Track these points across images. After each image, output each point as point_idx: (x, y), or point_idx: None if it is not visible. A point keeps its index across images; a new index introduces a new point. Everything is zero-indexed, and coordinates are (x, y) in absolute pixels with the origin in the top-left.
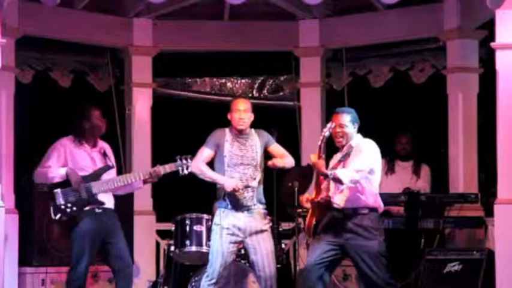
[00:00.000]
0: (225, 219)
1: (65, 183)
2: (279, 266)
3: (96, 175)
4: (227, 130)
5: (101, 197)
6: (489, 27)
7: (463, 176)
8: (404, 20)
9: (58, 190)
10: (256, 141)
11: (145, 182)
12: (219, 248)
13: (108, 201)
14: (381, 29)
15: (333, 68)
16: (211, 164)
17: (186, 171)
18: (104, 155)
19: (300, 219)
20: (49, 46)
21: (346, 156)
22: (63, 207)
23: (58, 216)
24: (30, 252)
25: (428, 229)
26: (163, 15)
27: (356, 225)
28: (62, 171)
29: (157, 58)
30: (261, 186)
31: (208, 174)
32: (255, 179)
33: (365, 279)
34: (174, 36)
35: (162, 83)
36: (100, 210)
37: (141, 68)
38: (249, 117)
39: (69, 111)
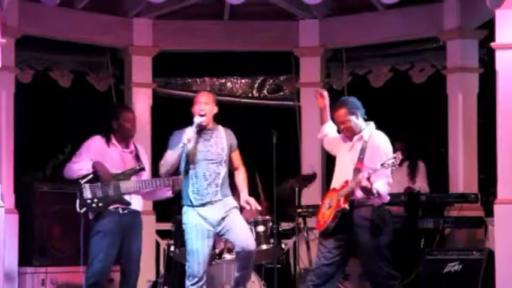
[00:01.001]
0: (192, 216)
1: (93, 180)
2: (279, 266)
3: (126, 175)
4: (188, 129)
5: (129, 197)
6: (489, 27)
7: (463, 176)
8: (404, 20)
9: (86, 184)
10: (222, 137)
11: (173, 191)
12: (193, 247)
13: (136, 203)
14: (381, 29)
15: (333, 68)
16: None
17: None
18: (137, 157)
19: (300, 219)
20: (49, 46)
21: (363, 152)
22: (89, 201)
23: (83, 210)
24: (30, 252)
25: (428, 229)
26: (163, 15)
27: (362, 218)
28: (89, 165)
29: (157, 58)
30: (227, 182)
31: (168, 158)
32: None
33: (367, 271)
34: (174, 36)
35: (162, 83)
36: (125, 211)
37: (141, 68)
38: (210, 109)
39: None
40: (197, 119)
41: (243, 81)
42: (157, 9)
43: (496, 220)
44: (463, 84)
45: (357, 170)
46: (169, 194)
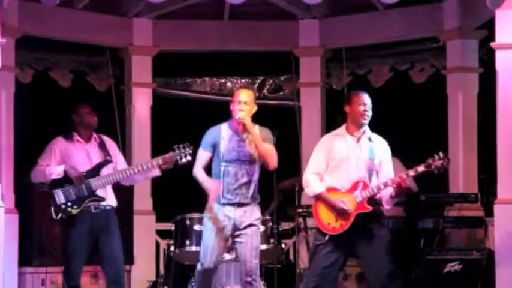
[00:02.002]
0: (216, 213)
1: (63, 182)
2: (279, 266)
3: (94, 170)
4: (223, 126)
5: (101, 193)
6: (489, 27)
7: (463, 176)
8: (404, 20)
9: (58, 190)
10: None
11: (162, 169)
12: (209, 242)
13: (109, 199)
14: (381, 29)
15: (333, 68)
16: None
17: (184, 160)
18: (101, 148)
19: (300, 219)
20: (49, 46)
21: (371, 152)
22: (63, 206)
23: (59, 216)
24: (30, 252)
25: (428, 229)
26: (163, 15)
27: (372, 218)
28: (60, 169)
29: (157, 58)
30: (256, 184)
31: (200, 181)
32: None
33: (372, 269)
34: (174, 36)
35: (162, 83)
36: (97, 210)
37: (141, 68)
38: (249, 110)
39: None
40: (240, 114)
41: (243, 81)
42: (157, 9)
43: (496, 220)
44: (463, 84)
45: (371, 171)
46: (156, 172)
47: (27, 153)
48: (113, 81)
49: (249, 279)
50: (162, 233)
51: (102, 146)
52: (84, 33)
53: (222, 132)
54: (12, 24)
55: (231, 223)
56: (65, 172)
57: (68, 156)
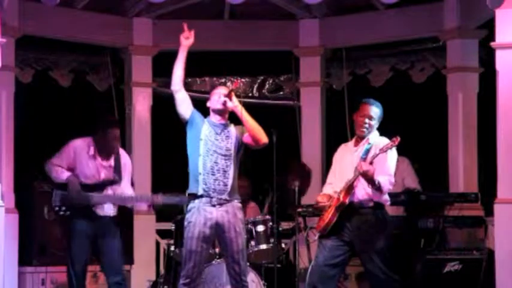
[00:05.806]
0: (197, 216)
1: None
2: (279, 266)
3: (98, 186)
4: (205, 119)
5: (101, 207)
6: (489, 26)
7: (463, 175)
8: (404, 20)
9: (58, 192)
10: (232, 133)
11: (152, 207)
12: (191, 248)
13: (107, 209)
14: (380, 29)
15: (333, 68)
16: (184, 146)
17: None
18: (115, 168)
19: (300, 219)
20: (49, 46)
21: (366, 153)
22: (57, 208)
23: (50, 216)
24: (30, 252)
25: (428, 229)
26: (163, 15)
27: (362, 221)
28: (64, 177)
29: (158, 58)
30: (236, 184)
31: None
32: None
33: (367, 272)
34: (174, 36)
35: (162, 83)
36: (95, 216)
37: (141, 68)
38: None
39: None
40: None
41: (243, 80)
42: (157, 9)
43: (496, 220)
44: (463, 84)
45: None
46: (144, 207)
47: (27, 153)
48: (113, 81)
49: (239, 280)
50: (162, 233)
51: (116, 164)
52: (84, 33)
53: (205, 121)
54: (12, 24)
55: (211, 225)
56: (67, 181)
57: (80, 164)
